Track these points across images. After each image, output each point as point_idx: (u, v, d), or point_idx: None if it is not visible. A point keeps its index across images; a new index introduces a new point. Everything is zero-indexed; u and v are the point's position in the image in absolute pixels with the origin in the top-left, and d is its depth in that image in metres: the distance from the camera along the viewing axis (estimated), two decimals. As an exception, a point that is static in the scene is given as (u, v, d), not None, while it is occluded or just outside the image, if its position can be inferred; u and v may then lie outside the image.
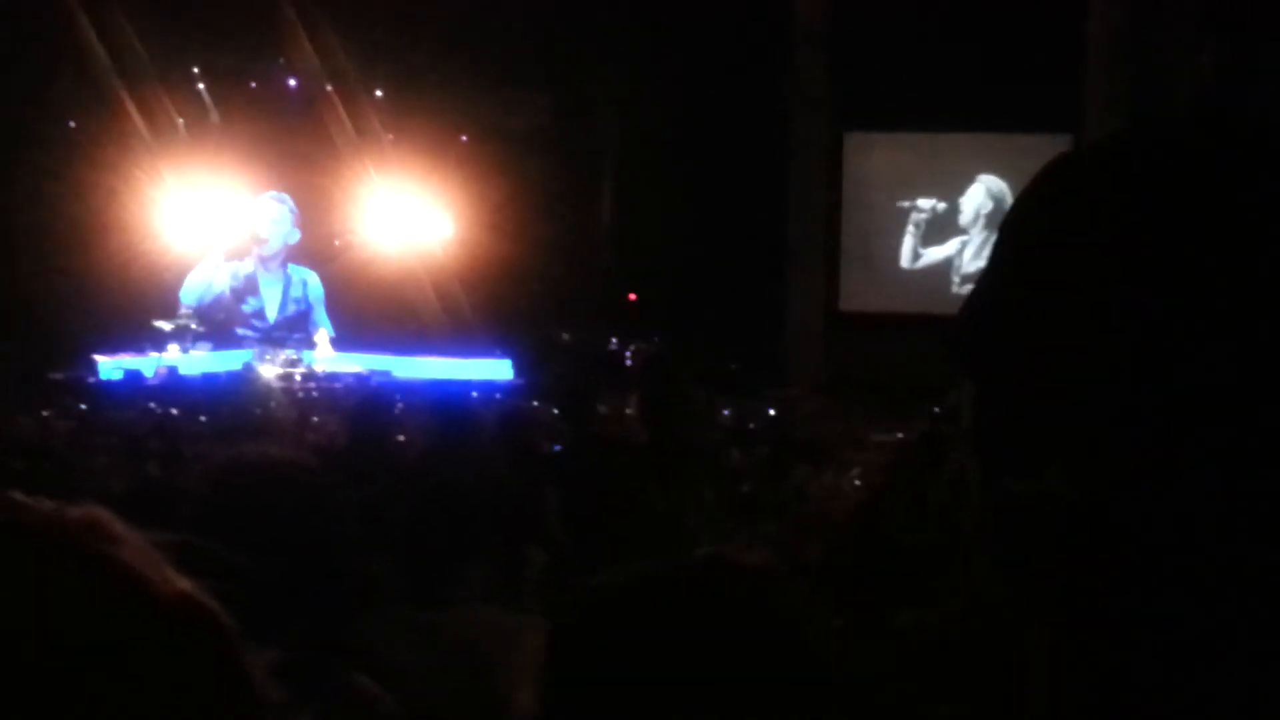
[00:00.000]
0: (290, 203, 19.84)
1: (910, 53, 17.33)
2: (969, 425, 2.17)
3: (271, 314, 20.14)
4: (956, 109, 17.67)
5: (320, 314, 20.53)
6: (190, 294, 19.25)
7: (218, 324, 19.12)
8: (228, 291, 19.72)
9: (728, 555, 1.44)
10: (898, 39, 17.45)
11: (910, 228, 19.59)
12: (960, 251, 19.48)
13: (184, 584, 1.25)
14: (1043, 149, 16.73)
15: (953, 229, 19.43)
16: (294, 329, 19.69)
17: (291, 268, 20.38)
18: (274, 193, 19.74)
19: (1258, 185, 1.82)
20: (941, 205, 19.30)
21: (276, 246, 20.28)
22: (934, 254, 19.60)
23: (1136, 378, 1.82)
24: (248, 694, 1.22)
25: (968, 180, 19.04)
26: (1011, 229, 2.12)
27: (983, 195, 19.11)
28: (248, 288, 20.25)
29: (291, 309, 20.51)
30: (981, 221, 19.43)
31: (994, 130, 18.46)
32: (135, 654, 1.15)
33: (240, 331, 19.59)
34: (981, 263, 19.45)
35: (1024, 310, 1.93)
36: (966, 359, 2.11)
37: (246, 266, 20.09)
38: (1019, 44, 17.03)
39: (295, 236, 20.21)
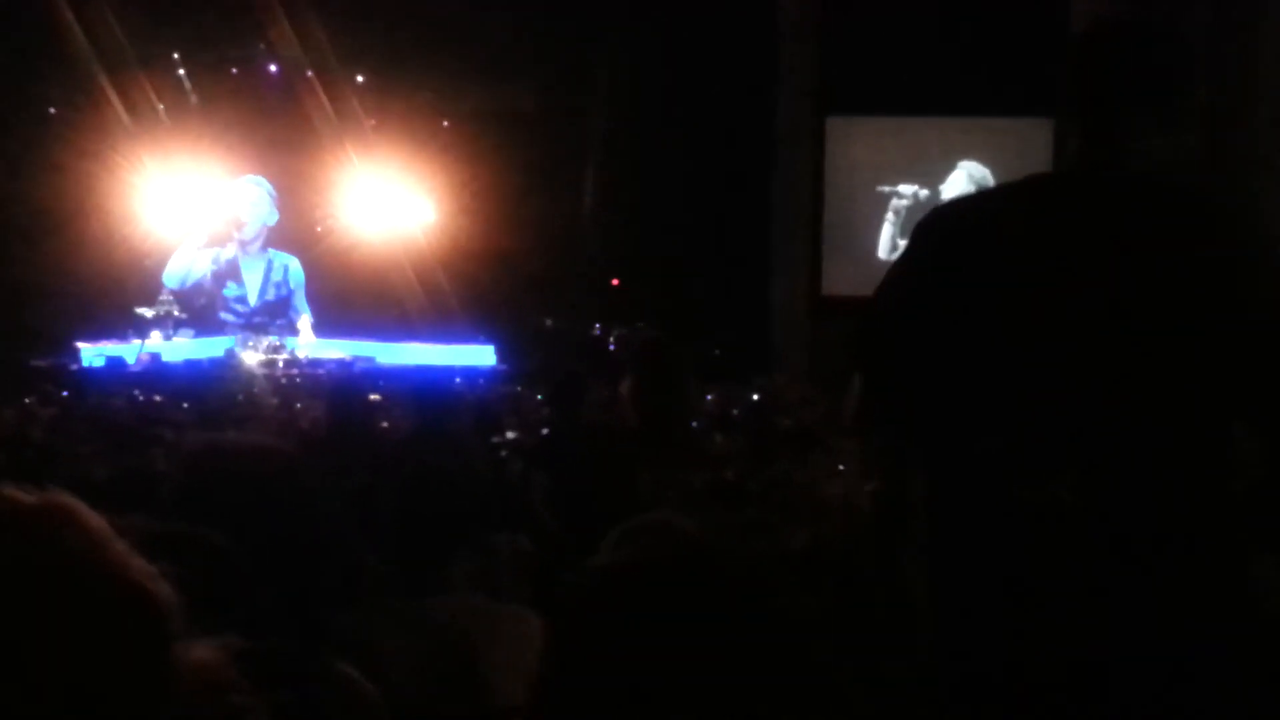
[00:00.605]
0: (268, 185, 19.86)
1: (893, 38, 17.31)
2: (852, 413, 2.61)
3: (253, 298, 20.16)
4: (939, 94, 17.66)
5: (300, 299, 20.53)
6: (173, 277, 19.24)
7: (198, 309, 19.13)
8: (209, 276, 19.72)
9: (672, 521, 1.45)
10: (882, 25, 17.43)
11: (889, 215, 19.28)
12: None
13: (139, 571, 1.27)
14: (1024, 133, 16.71)
15: None
16: (275, 314, 19.70)
17: (272, 253, 20.38)
18: (251, 176, 19.78)
19: (1122, 221, 2.18)
20: (924, 192, 19.01)
21: (256, 229, 20.32)
22: None
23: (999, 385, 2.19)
24: (166, 679, 1.25)
25: (950, 166, 18.90)
26: (904, 262, 2.42)
27: (965, 182, 18.89)
28: (229, 272, 20.24)
29: (272, 294, 20.51)
30: None
31: (975, 115, 18.42)
32: (59, 632, 1.19)
33: (222, 316, 19.59)
34: None
35: (916, 317, 2.28)
36: (864, 357, 2.42)
37: (228, 251, 20.08)
38: (1001, 29, 17.02)
39: (274, 218, 20.24)
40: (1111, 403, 2.10)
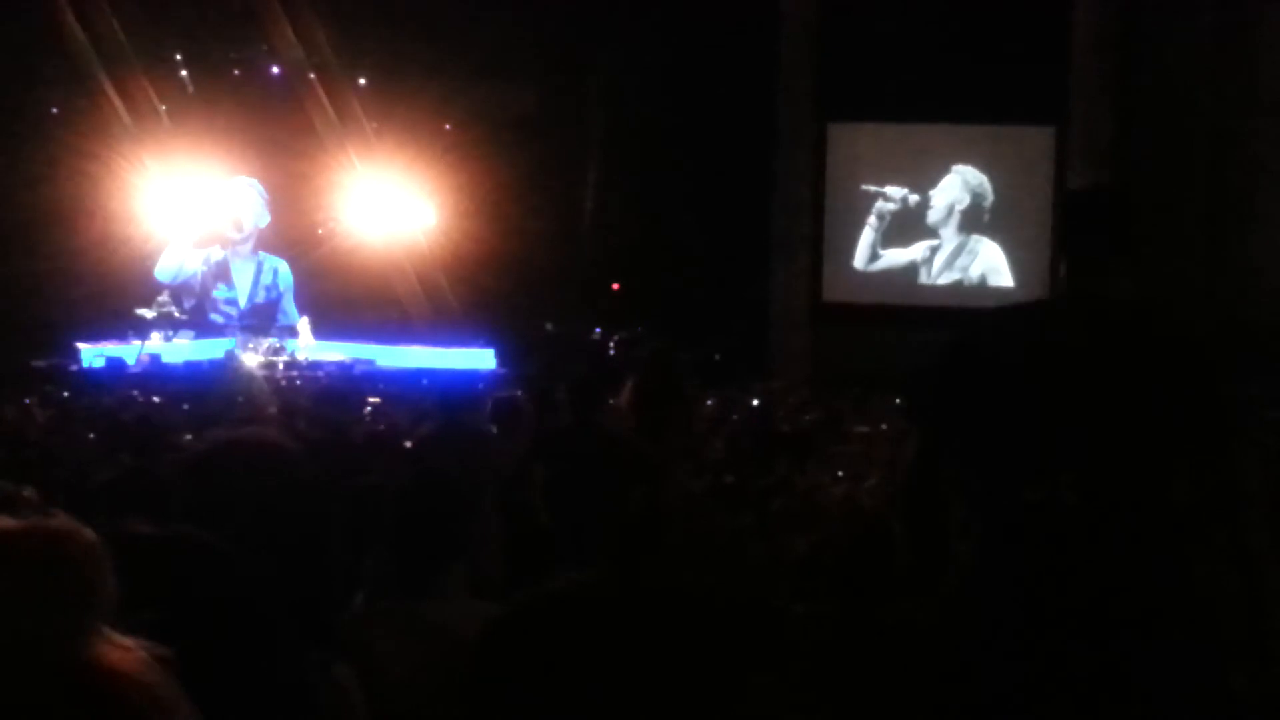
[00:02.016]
0: (259, 186, 19.99)
1: (894, 44, 17.31)
2: (906, 465, 3.41)
3: (243, 301, 20.23)
4: (941, 100, 17.62)
5: (289, 303, 20.56)
6: (165, 271, 19.27)
7: (187, 309, 19.14)
8: (198, 276, 19.79)
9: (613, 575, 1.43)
10: (884, 31, 17.42)
11: (872, 219, 18.79)
12: (930, 258, 18.72)
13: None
14: (1026, 140, 16.55)
15: (920, 229, 18.72)
16: (264, 316, 19.74)
17: (263, 255, 20.45)
18: (244, 178, 19.85)
19: (1109, 342, 3.18)
20: (914, 197, 18.63)
21: (249, 230, 20.42)
22: (894, 257, 18.81)
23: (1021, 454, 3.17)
24: None
25: (945, 170, 18.64)
26: (950, 358, 3.36)
27: (958, 188, 18.58)
28: (220, 273, 20.29)
29: (262, 296, 20.53)
30: (956, 220, 18.64)
31: (978, 122, 18.33)
32: None
33: (211, 317, 19.64)
34: (954, 273, 18.67)
35: (956, 405, 3.25)
36: (918, 420, 3.44)
37: (218, 253, 20.17)
38: (1004, 36, 17.02)
39: (265, 219, 20.34)
40: (1084, 449, 3.09)
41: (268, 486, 2.35)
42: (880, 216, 18.79)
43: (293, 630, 2.17)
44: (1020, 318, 3.45)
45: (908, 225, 18.74)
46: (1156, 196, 16.62)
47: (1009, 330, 3.34)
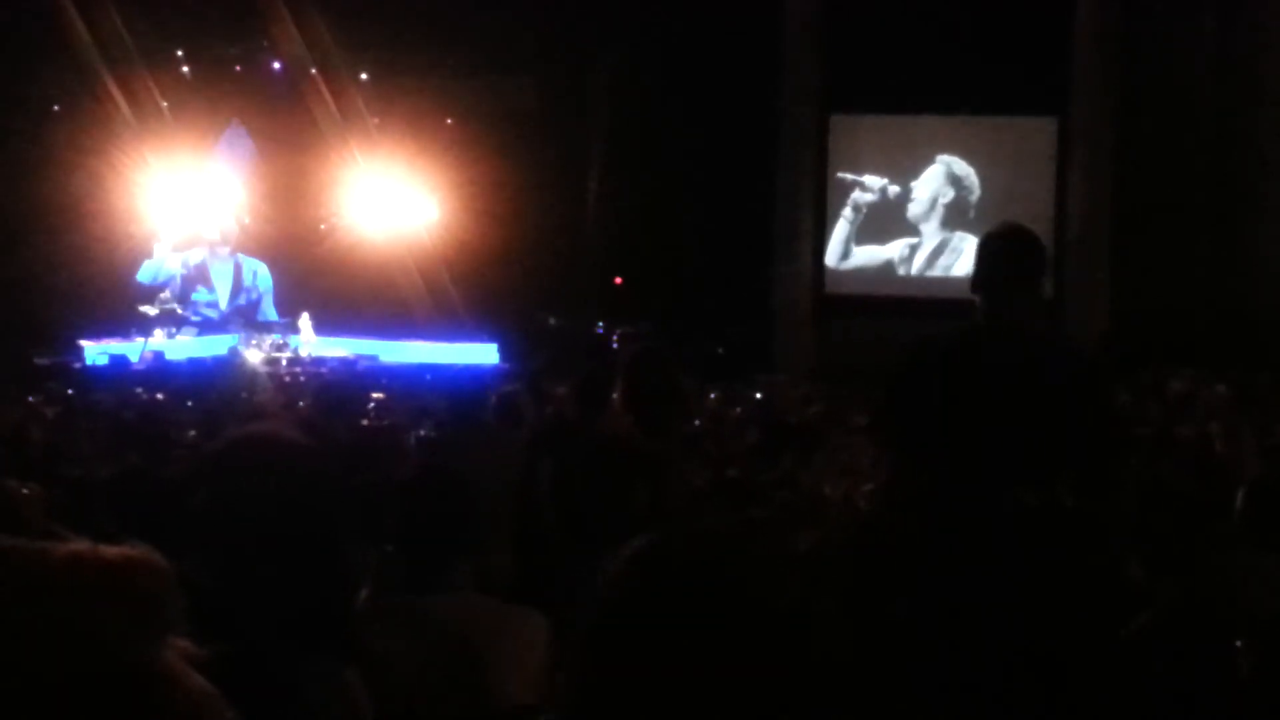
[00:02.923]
0: (241, 187, 20.10)
1: (898, 37, 17.24)
2: (883, 477, 4.11)
3: (223, 302, 20.29)
4: (944, 93, 17.54)
5: (268, 304, 20.61)
6: (145, 273, 19.33)
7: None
8: (178, 279, 19.82)
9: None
10: (887, 23, 17.36)
11: (847, 212, 18.36)
12: (909, 256, 18.32)
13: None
14: (1028, 132, 16.31)
15: (900, 225, 18.35)
16: (245, 318, 19.80)
17: (241, 257, 20.52)
18: (225, 179, 19.94)
19: (1027, 362, 3.73)
20: (894, 188, 18.25)
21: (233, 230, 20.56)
22: (870, 254, 18.46)
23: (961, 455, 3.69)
24: None
25: (930, 162, 18.27)
26: (898, 380, 3.91)
27: (940, 178, 18.21)
28: (198, 276, 20.35)
29: (242, 298, 20.59)
30: (939, 215, 18.20)
31: (981, 113, 18.18)
32: None
33: (192, 319, 19.70)
34: (935, 273, 18.09)
35: (909, 420, 3.80)
36: (886, 443, 4.03)
37: (196, 255, 20.21)
38: (1008, 29, 16.96)
39: (245, 219, 20.47)
40: (1002, 451, 3.60)
41: (286, 483, 2.34)
42: (856, 208, 18.34)
43: (298, 638, 2.17)
44: (955, 344, 3.93)
45: (891, 219, 18.35)
46: (1160, 189, 16.60)
47: (950, 357, 3.84)
